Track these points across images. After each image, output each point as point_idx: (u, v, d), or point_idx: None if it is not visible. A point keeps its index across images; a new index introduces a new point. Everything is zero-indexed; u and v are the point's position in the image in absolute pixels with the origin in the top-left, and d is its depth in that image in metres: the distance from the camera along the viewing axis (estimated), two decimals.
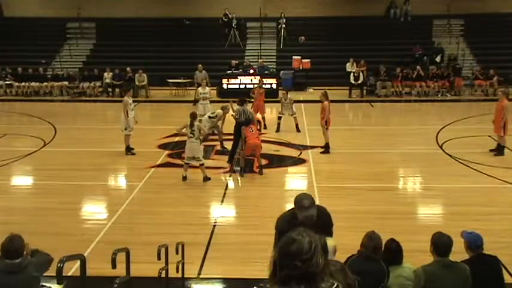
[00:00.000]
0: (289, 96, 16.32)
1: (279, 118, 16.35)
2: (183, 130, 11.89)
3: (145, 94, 22.87)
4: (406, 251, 5.27)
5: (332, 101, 14.19)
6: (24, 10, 27.56)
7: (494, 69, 22.55)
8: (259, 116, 16.25)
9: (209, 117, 14.17)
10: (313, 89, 22.80)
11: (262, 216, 9.77)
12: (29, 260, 4.79)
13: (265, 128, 16.45)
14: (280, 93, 17.54)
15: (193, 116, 11.74)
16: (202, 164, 11.75)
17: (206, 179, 11.73)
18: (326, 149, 13.98)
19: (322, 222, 4.81)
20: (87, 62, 26.03)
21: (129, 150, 13.86)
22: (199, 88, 17.01)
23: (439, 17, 26.82)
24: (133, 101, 14.56)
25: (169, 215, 9.95)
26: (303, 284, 2.44)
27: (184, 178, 11.77)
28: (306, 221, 4.51)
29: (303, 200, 4.66)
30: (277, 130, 16.18)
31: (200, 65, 21.47)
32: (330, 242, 4.51)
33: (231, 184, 11.96)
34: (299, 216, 4.60)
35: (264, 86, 18.35)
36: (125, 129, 13.68)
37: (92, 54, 27.07)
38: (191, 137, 11.54)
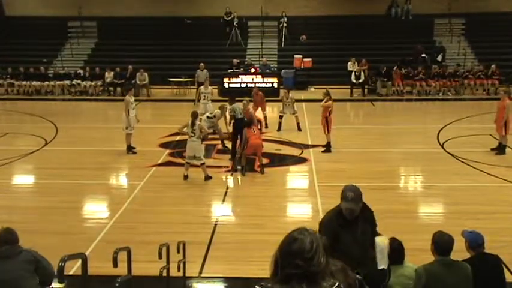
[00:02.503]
0: (290, 95, 16.32)
1: (280, 117, 16.35)
2: (184, 129, 11.91)
3: (147, 93, 22.87)
4: (407, 249, 5.28)
5: (333, 100, 14.20)
6: (26, 9, 27.59)
7: (496, 66, 22.47)
8: (260, 115, 16.28)
9: (208, 117, 14.18)
10: (315, 88, 22.80)
11: (263, 215, 9.80)
12: (22, 248, 4.97)
13: (266, 127, 16.44)
14: (282, 92, 17.56)
15: (195, 116, 11.78)
16: (204, 163, 11.76)
17: (207, 178, 11.74)
18: (327, 148, 13.98)
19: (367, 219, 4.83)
20: (88, 61, 26.04)
21: (130, 149, 13.87)
22: (202, 87, 17.05)
23: (440, 16, 26.79)
24: (135, 100, 14.56)
25: (170, 214, 9.96)
26: (304, 283, 2.45)
27: (186, 177, 11.78)
28: (346, 213, 4.50)
29: (347, 192, 4.54)
30: (279, 129, 16.18)
31: (202, 64, 21.48)
32: (383, 239, 4.55)
33: (232, 183, 11.97)
34: (342, 206, 4.54)
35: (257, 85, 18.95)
36: (126, 128, 13.70)
37: (93, 53, 27.08)
38: (192, 136, 11.56)
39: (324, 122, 13.85)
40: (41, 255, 5.04)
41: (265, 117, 16.65)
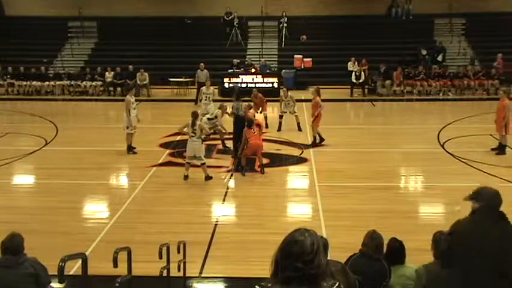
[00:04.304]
0: (289, 93, 16.32)
1: (280, 117, 16.35)
2: (185, 129, 11.91)
3: (147, 93, 22.88)
4: (407, 249, 5.28)
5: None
6: (26, 9, 27.59)
7: (496, 70, 22.58)
8: (261, 117, 16.28)
9: (208, 118, 14.17)
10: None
11: (263, 215, 9.81)
12: (26, 258, 4.96)
13: (266, 127, 16.39)
14: (281, 91, 17.57)
15: (195, 116, 11.78)
16: (204, 163, 11.76)
17: (207, 178, 11.73)
18: (320, 141, 14.23)
19: None
20: (88, 61, 26.05)
21: (130, 149, 13.86)
22: (204, 88, 16.95)
23: (440, 16, 26.80)
24: (136, 100, 14.55)
25: (170, 214, 9.96)
26: (304, 285, 2.44)
27: (186, 177, 11.77)
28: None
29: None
30: (279, 129, 16.17)
31: (202, 64, 21.46)
32: None
33: (232, 183, 11.96)
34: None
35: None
36: (127, 128, 13.69)
37: (94, 53, 27.09)
38: (192, 136, 11.56)
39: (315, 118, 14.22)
40: (41, 265, 5.06)
41: (265, 117, 16.63)
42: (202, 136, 11.75)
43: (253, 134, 12.22)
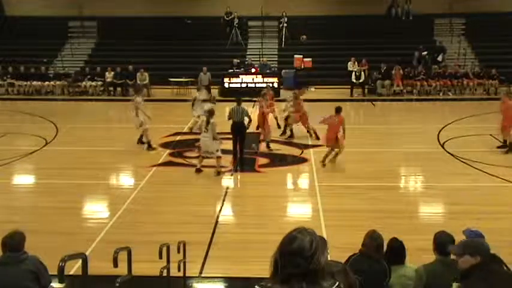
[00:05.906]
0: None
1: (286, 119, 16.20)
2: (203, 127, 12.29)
3: (147, 93, 22.85)
4: (407, 249, 5.28)
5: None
6: (26, 9, 27.62)
7: (496, 69, 22.60)
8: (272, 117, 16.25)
9: None
10: (315, 88, 22.78)
11: (263, 215, 9.80)
12: (27, 255, 4.97)
13: (279, 127, 16.08)
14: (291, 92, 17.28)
15: (210, 114, 12.08)
16: (220, 157, 12.02)
17: (218, 173, 11.94)
18: (289, 134, 15.02)
19: None
20: (88, 61, 26.06)
21: (149, 145, 13.97)
22: (198, 93, 16.35)
23: (440, 16, 26.85)
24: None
25: (170, 213, 9.95)
26: (304, 283, 2.45)
27: (198, 170, 12.01)
28: None
29: None
30: (284, 131, 15.87)
31: (205, 68, 21.46)
32: None
33: (232, 183, 11.96)
34: None
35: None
36: (140, 126, 13.75)
37: (94, 53, 27.10)
38: (204, 132, 11.89)
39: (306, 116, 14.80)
40: (43, 264, 5.07)
41: (276, 118, 16.40)
42: (214, 134, 11.95)
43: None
